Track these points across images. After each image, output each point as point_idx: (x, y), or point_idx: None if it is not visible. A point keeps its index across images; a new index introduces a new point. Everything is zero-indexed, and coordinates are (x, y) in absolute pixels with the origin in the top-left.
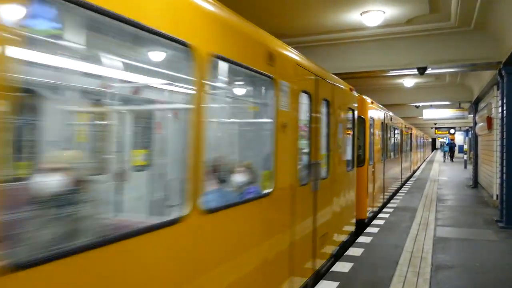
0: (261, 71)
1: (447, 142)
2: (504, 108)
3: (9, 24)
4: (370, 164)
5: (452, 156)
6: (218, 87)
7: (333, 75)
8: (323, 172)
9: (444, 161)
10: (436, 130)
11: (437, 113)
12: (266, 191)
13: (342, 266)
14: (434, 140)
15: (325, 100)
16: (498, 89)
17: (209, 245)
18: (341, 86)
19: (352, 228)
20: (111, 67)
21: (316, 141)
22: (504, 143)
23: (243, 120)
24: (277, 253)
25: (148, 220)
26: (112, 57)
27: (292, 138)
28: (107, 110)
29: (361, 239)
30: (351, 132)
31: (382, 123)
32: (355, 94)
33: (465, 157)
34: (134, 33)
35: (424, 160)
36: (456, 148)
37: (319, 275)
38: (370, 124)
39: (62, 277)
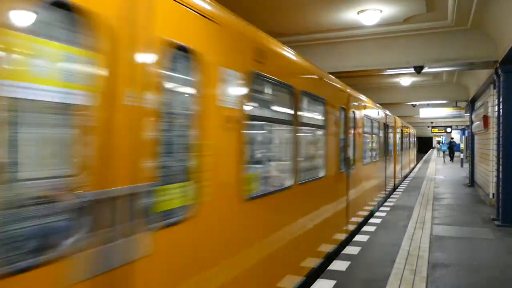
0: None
1: (445, 140)
2: (501, 107)
3: None
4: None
5: (452, 156)
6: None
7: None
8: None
9: (444, 161)
10: (433, 129)
11: (434, 112)
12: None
13: (339, 265)
14: (430, 139)
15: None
16: (494, 88)
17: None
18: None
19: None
20: None
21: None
22: (501, 142)
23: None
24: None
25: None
26: None
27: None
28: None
29: (358, 237)
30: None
31: (402, 131)
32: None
33: (462, 155)
34: None
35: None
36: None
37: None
38: (397, 132)
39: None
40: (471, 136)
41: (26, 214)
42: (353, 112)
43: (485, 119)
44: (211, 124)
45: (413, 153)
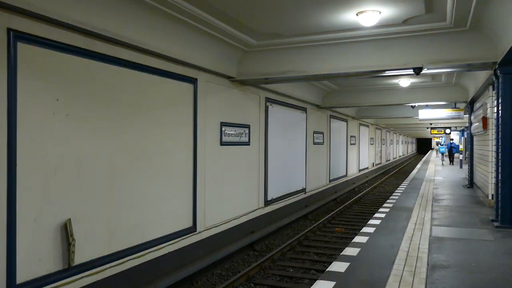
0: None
1: (444, 141)
2: (500, 108)
3: None
4: None
5: (451, 159)
6: None
7: None
8: None
9: (442, 164)
10: (432, 130)
11: (433, 113)
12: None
13: (338, 266)
14: (430, 140)
15: None
16: (493, 89)
17: None
18: None
19: None
20: None
21: None
22: (500, 143)
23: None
24: None
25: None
26: None
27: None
28: None
29: (357, 239)
30: None
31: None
32: None
33: (461, 156)
34: None
35: None
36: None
37: None
38: None
39: None
40: (470, 137)
41: None
42: None
43: (484, 120)
44: None
45: None
